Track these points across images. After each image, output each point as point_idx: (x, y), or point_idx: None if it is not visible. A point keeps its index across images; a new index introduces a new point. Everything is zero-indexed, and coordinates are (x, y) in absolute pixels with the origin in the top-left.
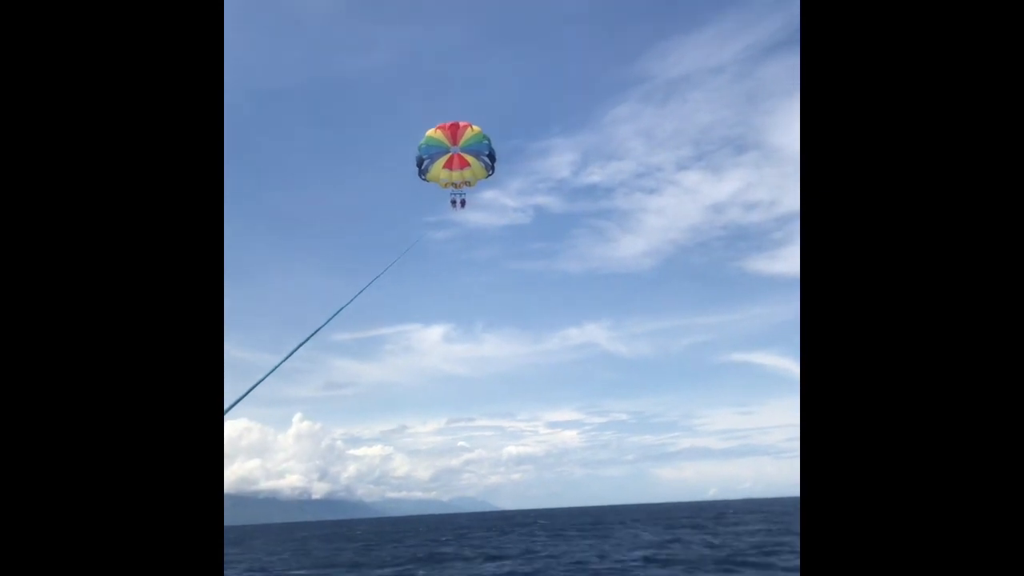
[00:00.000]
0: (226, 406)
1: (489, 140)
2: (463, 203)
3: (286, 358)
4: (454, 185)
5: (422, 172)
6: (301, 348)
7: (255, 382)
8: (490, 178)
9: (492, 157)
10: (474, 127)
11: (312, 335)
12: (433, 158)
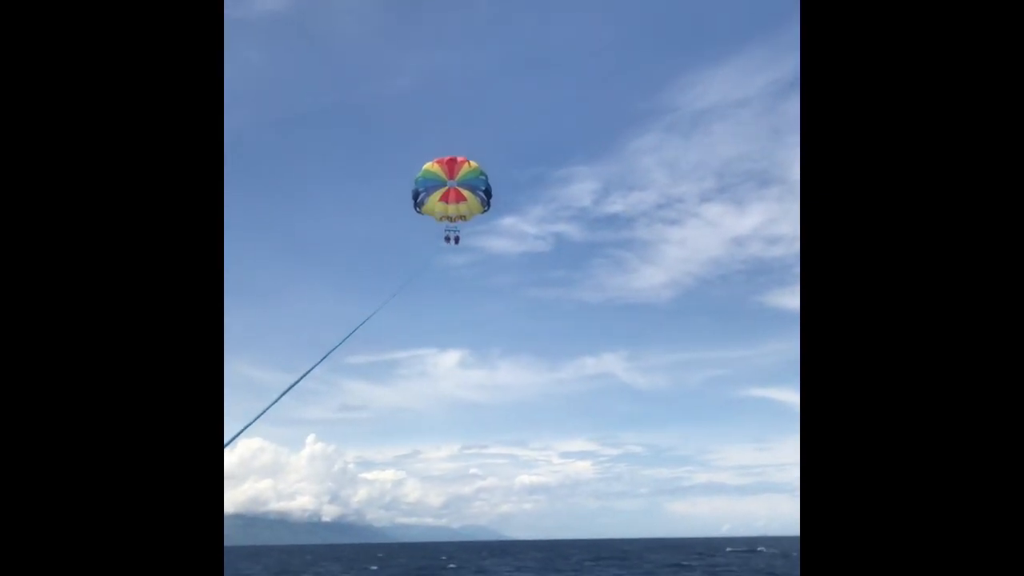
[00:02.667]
0: (228, 429)
1: (486, 176)
2: (456, 240)
3: (288, 389)
4: (449, 219)
5: (417, 205)
6: (316, 369)
7: (263, 410)
8: (486, 213)
9: (488, 193)
10: (471, 162)
11: (308, 372)
12: (429, 191)
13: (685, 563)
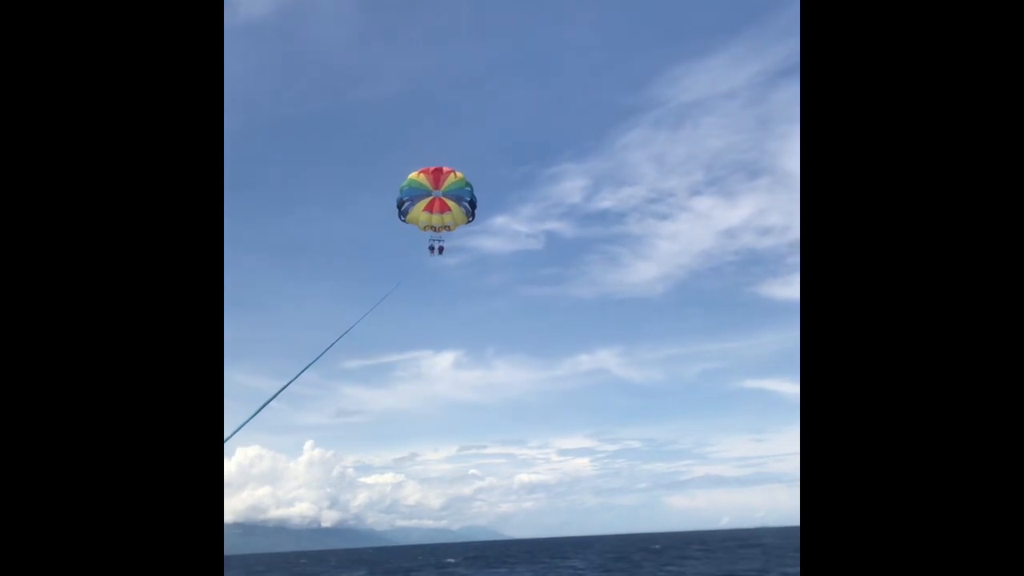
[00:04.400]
0: (227, 428)
1: (471, 187)
2: (441, 250)
3: (279, 392)
4: (433, 228)
5: (402, 213)
6: (312, 374)
7: (256, 410)
8: (469, 224)
9: (473, 204)
10: (457, 173)
11: (298, 376)
12: (414, 200)
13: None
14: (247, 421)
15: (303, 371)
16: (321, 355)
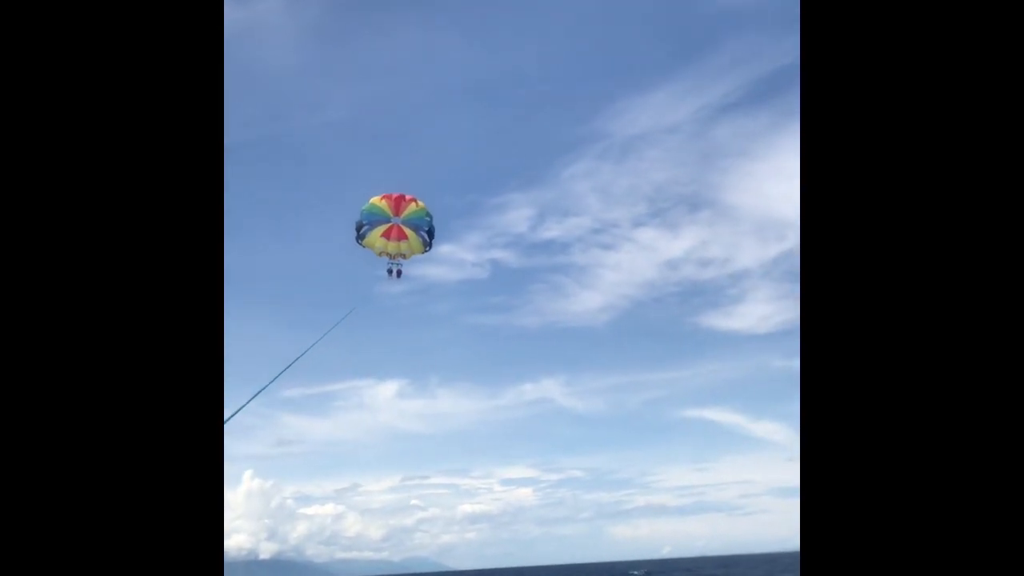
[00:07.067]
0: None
1: (431, 217)
2: (399, 273)
3: (229, 418)
4: (388, 255)
5: (360, 237)
6: (252, 404)
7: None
8: (426, 254)
9: (431, 234)
10: (419, 202)
11: (244, 406)
12: (372, 225)
13: None
14: (236, 410)
15: (251, 400)
16: (271, 383)
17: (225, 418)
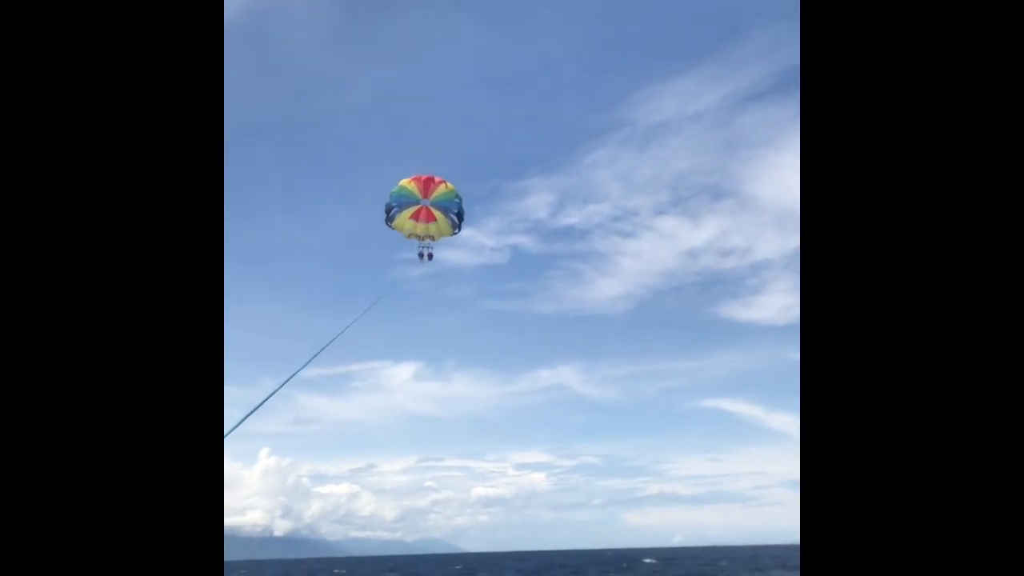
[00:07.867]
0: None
1: (460, 199)
2: (430, 256)
3: (258, 406)
4: (418, 237)
5: (389, 219)
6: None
7: (254, 408)
8: (455, 236)
9: (460, 216)
10: (448, 184)
11: (278, 389)
12: (401, 207)
13: None
14: (245, 418)
15: (307, 364)
16: (304, 366)
17: (260, 401)
